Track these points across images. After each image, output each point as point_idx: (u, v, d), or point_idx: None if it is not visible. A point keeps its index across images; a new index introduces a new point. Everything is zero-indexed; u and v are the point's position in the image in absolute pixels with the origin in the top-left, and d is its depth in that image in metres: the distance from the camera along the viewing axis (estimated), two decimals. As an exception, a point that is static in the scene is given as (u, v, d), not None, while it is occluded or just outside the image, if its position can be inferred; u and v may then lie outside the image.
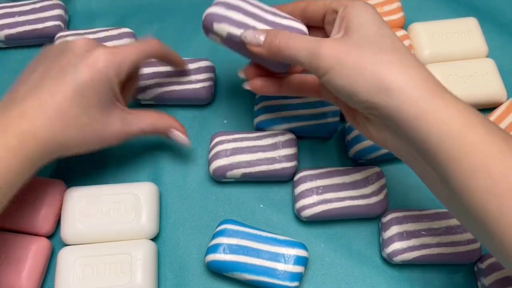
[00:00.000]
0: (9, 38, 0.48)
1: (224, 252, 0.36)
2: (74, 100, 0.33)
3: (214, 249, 0.37)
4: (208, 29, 0.35)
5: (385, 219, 0.38)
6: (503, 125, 0.42)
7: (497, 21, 0.50)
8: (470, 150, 0.26)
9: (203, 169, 0.43)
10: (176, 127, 0.39)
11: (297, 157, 0.41)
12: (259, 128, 0.43)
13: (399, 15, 0.47)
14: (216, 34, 0.35)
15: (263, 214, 0.41)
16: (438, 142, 0.27)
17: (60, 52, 0.35)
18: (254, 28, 0.34)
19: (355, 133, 0.41)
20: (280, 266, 0.36)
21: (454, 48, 0.46)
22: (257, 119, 0.43)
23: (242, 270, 0.36)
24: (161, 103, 0.45)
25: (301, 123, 0.42)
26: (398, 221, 0.38)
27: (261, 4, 0.36)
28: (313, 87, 0.37)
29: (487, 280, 0.36)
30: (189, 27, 0.50)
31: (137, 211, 0.38)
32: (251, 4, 0.35)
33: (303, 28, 0.35)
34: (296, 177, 0.40)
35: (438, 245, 0.37)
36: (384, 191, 0.39)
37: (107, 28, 0.47)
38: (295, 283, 0.36)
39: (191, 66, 0.45)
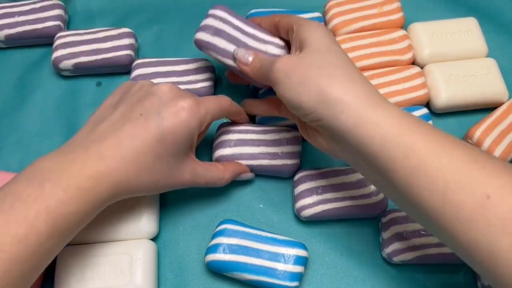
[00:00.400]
0: (9, 38, 0.48)
1: (224, 252, 0.36)
2: (153, 147, 0.32)
3: (214, 249, 0.37)
4: (200, 50, 0.40)
5: (385, 219, 0.38)
6: (503, 125, 0.42)
7: (497, 21, 0.50)
8: (409, 152, 0.28)
9: (203, 169, 0.43)
10: (242, 172, 0.40)
11: (300, 155, 0.41)
12: (260, 123, 0.43)
13: (399, 15, 0.47)
14: (208, 55, 0.40)
15: (263, 214, 0.41)
16: (378, 148, 0.29)
17: (143, 94, 0.35)
18: (245, 47, 0.38)
19: None
20: (280, 266, 0.36)
21: (454, 48, 0.45)
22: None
23: (242, 270, 0.36)
24: (161, 103, 0.45)
25: None
26: (398, 221, 0.38)
27: (244, 26, 0.40)
28: (275, 106, 0.40)
29: (487, 280, 0.36)
30: (189, 27, 0.50)
31: (137, 211, 0.38)
32: (235, 27, 0.40)
33: (281, 45, 0.39)
34: (296, 177, 0.40)
35: (438, 245, 0.37)
36: None
37: (107, 28, 0.47)
38: (295, 283, 0.36)
39: (191, 66, 0.45)
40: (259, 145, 0.41)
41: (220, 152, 0.40)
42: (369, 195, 0.38)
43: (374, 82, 0.44)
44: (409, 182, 0.28)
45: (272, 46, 0.39)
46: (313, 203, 0.38)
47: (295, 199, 0.39)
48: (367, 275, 0.38)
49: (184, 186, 0.36)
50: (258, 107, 0.42)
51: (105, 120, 0.34)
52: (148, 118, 0.33)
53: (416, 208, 0.29)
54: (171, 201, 0.41)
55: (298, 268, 0.36)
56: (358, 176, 0.39)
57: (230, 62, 0.39)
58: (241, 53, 0.37)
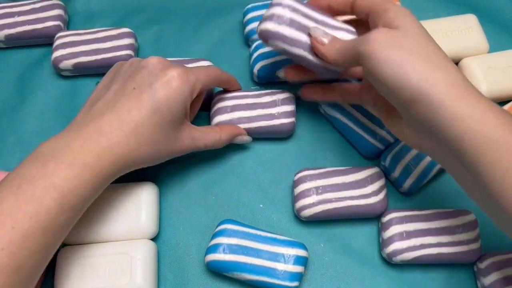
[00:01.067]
0: (9, 38, 0.48)
1: (224, 252, 0.36)
2: (150, 117, 0.34)
3: (214, 249, 0.37)
4: (265, 41, 0.38)
5: (384, 219, 0.38)
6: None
7: (497, 21, 0.50)
8: (506, 151, 0.27)
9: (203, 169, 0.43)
10: (239, 133, 0.41)
11: (295, 114, 0.42)
12: (260, 76, 0.45)
13: (399, 15, 0.47)
14: (272, 46, 0.38)
15: (263, 214, 0.41)
16: (474, 144, 0.28)
17: (134, 69, 0.36)
18: (323, 30, 0.36)
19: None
20: (280, 266, 0.36)
21: (455, 46, 0.45)
22: (257, 67, 0.44)
23: (242, 270, 0.36)
24: (161, 103, 0.45)
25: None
26: (398, 221, 0.38)
27: (313, 13, 0.37)
28: (354, 94, 0.40)
29: (486, 280, 0.36)
30: (189, 27, 0.50)
31: (137, 211, 0.38)
32: (304, 14, 0.37)
33: (353, 31, 0.38)
34: (296, 177, 0.40)
35: (438, 245, 0.37)
36: (384, 191, 0.39)
37: (107, 28, 0.47)
38: (295, 283, 0.36)
39: (191, 66, 0.45)
40: (255, 108, 0.42)
41: (218, 118, 0.42)
42: (368, 195, 0.38)
43: None
44: (504, 181, 0.27)
45: (344, 32, 0.38)
46: (313, 203, 0.38)
47: (295, 199, 0.39)
48: (367, 275, 0.38)
49: (184, 152, 0.38)
50: (314, 92, 0.42)
51: (100, 99, 0.35)
52: (141, 90, 0.34)
53: (504, 211, 0.28)
54: (171, 201, 0.41)
55: (298, 268, 0.36)
56: (358, 176, 0.39)
57: (300, 51, 0.37)
58: (319, 32, 0.36)
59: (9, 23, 0.47)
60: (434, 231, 0.37)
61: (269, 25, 0.36)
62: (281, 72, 0.42)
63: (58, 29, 0.48)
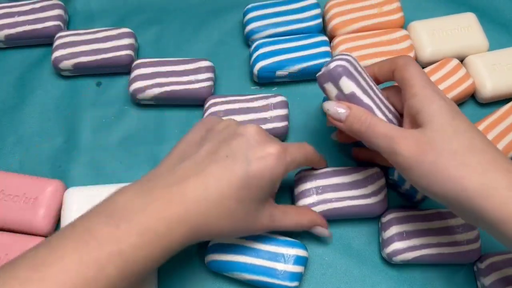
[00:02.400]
0: (9, 38, 0.48)
1: (224, 252, 0.36)
2: (237, 191, 0.31)
3: (214, 249, 0.37)
4: (329, 79, 0.34)
5: (385, 219, 0.38)
6: (503, 125, 0.42)
7: (497, 21, 0.50)
8: None
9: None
10: (319, 224, 0.37)
11: (288, 118, 0.42)
12: (260, 76, 0.45)
13: (399, 15, 0.47)
14: (337, 87, 0.34)
15: (263, 214, 0.41)
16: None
17: (230, 134, 0.33)
18: (337, 101, 0.35)
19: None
20: (279, 266, 0.36)
21: (456, 45, 0.46)
22: (257, 67, 0.44)
23: (242, 270, 0.36)
24: (161, 103, 0.45)
25: (299, 66, 0.44)
26: (398, 221, 0.38)
27: (370, 80, 0.36)
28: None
29: (486, 280, 0.36)
30: (189, 27, 0.50)
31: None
32: (364, 78, 0.36)
33: (398, 117, 0.37)
34: (296, 177, 0.40)
35: (438, 245, 0.37)
36: (384, 191, 0.39)
37: (107, 28, 0.47)
38: (295, 283, 0.36)
39: (191, 66, 0.45)
40: (248, 113, 0.42)
41: None
42: (369, 195, 0.38)
43: None
44: None
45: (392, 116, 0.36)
46: (313, 203, 0.38)
47: (295, 198, 0.39)
48: (367, 275, 0.38)
49: (260, 231, 0.35)
50: (366, 154, 0.41)
51: (189, 158, 0.32)
52: (235, 160, 0.31)
53: None
54: (171, 201, 0.41)
55: (298, 268, 0.36)
56: (358, 176, 0.39)
57: (369, 101, 0.35)
58: (333, 109, 0.34)
59: (9, 23, 0.47)
60: (434, 231, 0.37)
61: (344, 63, 0.34)
62: (333, 136, 0.40)
63: (58, 29, 0.48)
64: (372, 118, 0.33)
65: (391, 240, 0.37)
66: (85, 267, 0.26)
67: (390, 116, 0.35)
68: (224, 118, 0.36)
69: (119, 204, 0.29)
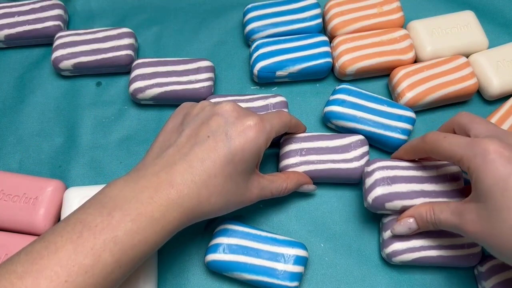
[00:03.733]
0: (9, 38, 0.48)
1: (224, 252, 0.36)
2: (223, 168, 0.32)
3: (214, 249, 0.37)
4: (377, 209, 0.37)
5: (386, 220, 0.38)
6: (506, 125, 0.42)
7: (496, 21, 0.50)
8: None
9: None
10: (305, 182, 0.39)
11: None
12: (260, 76, 0.45)
13: (399, 15, 0.47)
14: (389, 210, 0.36)
15: (263, 214, 0.41)
16: None
17: (208, 115, 0.34)
18: (398, 220, 0.36)
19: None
20: (280, 266, 0.36)
21: (456, 43, 0.46)
22: (257, 67, 0.44)
23: (242, 270, 0.36)
24: (161, 103, 0.45)
25: (299, 66, 0.44)
26: None
27: (414, 165, 0.37)
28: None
29: (487, 284, 0.36)
30: (189, 27, 0.50)
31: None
32: (407, 168, 0.37)
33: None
34: (282, 139, 0.41)
35: (438, 247, 0.36)
36: (366, 158, 0.40)
37: (107, 28, 0.47)
38: (295, 283, 0.36)
39: (191, 66, 0.45)
40: None
41: None
42: (350, 160, 0.39)
43: (422, 74, 0.43)
44: None
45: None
46: (296, 163, 0.39)
47: (280, 158, 0.40)
48: (367, 275, 0.38)
49: (252, 202, 0.36)
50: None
51: (172, 145, 0.33)
52: (216, 139, 0.32)
53: None
54: (171, 201, 0.41)
55: (298, 268, 0.36)
56: (342, 142, 0.40)
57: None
58: (402, 229, 0.36)
59: (9, 23, 0.47)
60: (435, 234, 0.37)
61: (381, 190, 0.36)
62: (393, 229, 0.37)
63: (58, 29, 0.48)
64: (433, 213, 0.33)
65: (391, 240, 0.37)
66: (81, 256, 0.27)
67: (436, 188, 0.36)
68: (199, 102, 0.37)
69: (110, 195, 0.30)
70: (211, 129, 0.33)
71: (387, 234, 0.37)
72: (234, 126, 0.33)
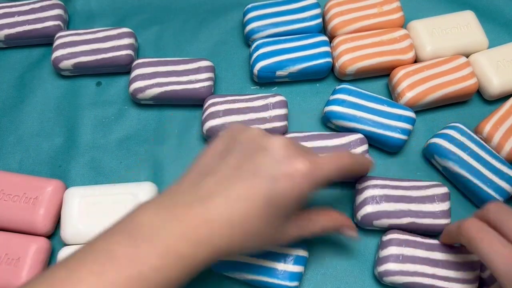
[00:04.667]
0: (9, 38, 0.48)
1: (224, 252, 0.36)
2: (262, 210, 0.29)
3: (214, 249, 0.36)
4: (366, 225, 0.38)
5: (385, 237, 0.37)
6: (506, 125, 0.42)
7: (496, 21, 0.50)
8: None
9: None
10: (346, 225, 0.36)
11: (287, 117, 0.42)
12: (260, 76, 0.45)
13: (399, 15, 0.47)
14: (377, 227, 0.38)
15: (263, 214, 0.41)
16: None
17: (255, 147, 0.31)
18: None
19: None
20: (280, 266, 0.36)
21: (456, 43, 0.46)
22: (257, 67, 0.44)
23: (242, 270, 0.36)
24: (161, 103, 0.45)
25: (299, 66, 0.44)
26: (398, 242, 0.36)
27: (404, 185, 0.39)
28: None
29: None
30: (189, 27, 0.50)
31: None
32: (396, 187, 0.38)
33: None
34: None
35: (432, 276, 0.35)
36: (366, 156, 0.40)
37: (107, 28, 0.47)
38: (295, 283, 0.36)
39: (191, 66, 0.45)
40: (248, 112, 0.42)
41: (210, 123, 0.41)
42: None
43: (422, 74, 0.43)
44: None
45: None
46: None
47: None
48: (366, 275, 0.38)
49: (289, 242, 0.33)
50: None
51: (211, 173, 0.30)
52: (260, 177, 0.29)
53: None
54: (171, 201, 0.41)
55: (298, 268, 0.36)
56: (340, 141, 0.40)
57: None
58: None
59: (9, 23, 0.47)
60: (432, 262, 0.36)
61: (370, 208, 0.37)
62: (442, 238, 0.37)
63: (58, 29, 0.48)
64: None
65: (385, 259, 0.36)
66: None
67: None
68: (251, 126, 0.33)
69: (139, 222, 0.28)
70: (256, 165, 0.30)
71: (383, 252, 0.36)
72: (281, 166, 0.30)
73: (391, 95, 0.46)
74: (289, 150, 0.31)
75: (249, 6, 0.48)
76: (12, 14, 0.48)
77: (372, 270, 0.38)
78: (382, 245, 0.37)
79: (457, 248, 0.36)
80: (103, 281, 0.25)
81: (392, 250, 0.36)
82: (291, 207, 0.30)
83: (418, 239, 0.37)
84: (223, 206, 0.28)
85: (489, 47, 0.46)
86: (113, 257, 0.26)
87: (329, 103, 0.42)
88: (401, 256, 0.36)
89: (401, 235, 0.37)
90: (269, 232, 0.30)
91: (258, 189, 0.29)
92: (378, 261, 0.37)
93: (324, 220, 0.34)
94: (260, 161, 0.30)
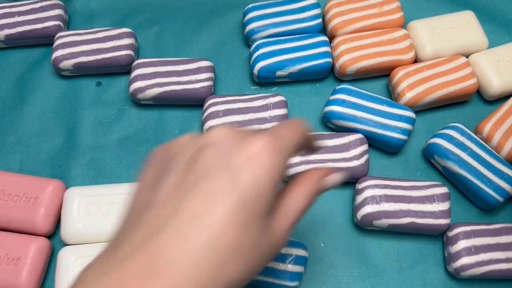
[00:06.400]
0: (9, 38, 0.48)
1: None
2: (233, 219, 0.21)
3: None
4: (366, 225, 0.38)
5: (451, 233, 0.37)
6: (506, 125, 0.42)
7: (496, 21, 0.50)
8: None
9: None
10: (325, 175, 0.28)
11: (287, 117, 0.42)
12: (260, 76, 0.45)
13: (399, 15, 0.47)
14: (377, 227, 0.38)
15: (263, 214, 0.41)
16: None
17: (194, 151, 0.24)
18: None
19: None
20: (280, 266, 0.36)
21: (455, 43, 0.46)
22: (257, 67, 0.44)
23: (242, 270, 0.36)
24: (161, 103, 0.45)
25: (299, 66, 0.44)
26: (466, 235, 0.36)
27: (403, 185, 0.39)
28: None
29: None
30: (189, 27, 0.50)
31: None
32: (396, 187, 0.38)
33: None
34: None
35: (506, 260, 0.35)
36: (366, 156, 0.40)
37: (107, 28, 0.47)
38: (295, 283, 0.36)
39: (191, 66, 0.45)
40: (247, 112, 0.42)
41: (210, 123, 0.42)
42: (350, 159, 0.39)
43: (422, 74, 0.43)
44: None
45: None
46: (295, 163, 0.39)
47: None
48: (366, 275, 0.38)
49: (286, 238, 0.25)
50: None
51: (151, 204, 0.23)
52: (214, 180, 0.22)
53: None
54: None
55: (298, 268, 0.36)
56: (340, 141, 0.40)
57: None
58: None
59: (9, 23, 0.47)
60: (503, 246, 0.36)
61: (370, 208, 0.37)
62: None
63: (58, 29, 0.48)
64: None
65: (458, 255, 0.36)
66: None
67: None
68: (181, 136, 0.26)
69: (80, 281, 0.21)
70: (202, 169, 0.22)
71: (454, 248, 0.36)
72: (236, 154, 0.23)
73: (391, 95, 0.46)
74: (237, 133, 0.24)
75: (249, 6, 0.48)
76: (12, 14, 0.48)
77: (372, 270, 0.38)
78: (450, 241, 0.37)
79: None
80: None
81: (462, 244, 0.36)
82: (268, 197, 0.23)
83: (483, 226, 0.37)
84: (174, 238, 0.21)
85: (489, 47, 0.46)
86: None
87: (329, 103, 0.42)
88: (473, 248, 0.36)
89: (466, 226, 0.37)
90: (255, 241, 0.22)
91: (214, 195, 0.22)
92: (451, 257, 0.37)
93: (304, 190, 0.27)
94: (206, 162, 0.23)
